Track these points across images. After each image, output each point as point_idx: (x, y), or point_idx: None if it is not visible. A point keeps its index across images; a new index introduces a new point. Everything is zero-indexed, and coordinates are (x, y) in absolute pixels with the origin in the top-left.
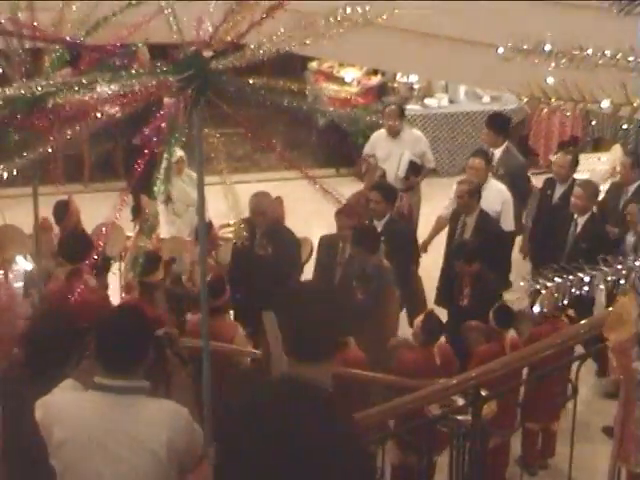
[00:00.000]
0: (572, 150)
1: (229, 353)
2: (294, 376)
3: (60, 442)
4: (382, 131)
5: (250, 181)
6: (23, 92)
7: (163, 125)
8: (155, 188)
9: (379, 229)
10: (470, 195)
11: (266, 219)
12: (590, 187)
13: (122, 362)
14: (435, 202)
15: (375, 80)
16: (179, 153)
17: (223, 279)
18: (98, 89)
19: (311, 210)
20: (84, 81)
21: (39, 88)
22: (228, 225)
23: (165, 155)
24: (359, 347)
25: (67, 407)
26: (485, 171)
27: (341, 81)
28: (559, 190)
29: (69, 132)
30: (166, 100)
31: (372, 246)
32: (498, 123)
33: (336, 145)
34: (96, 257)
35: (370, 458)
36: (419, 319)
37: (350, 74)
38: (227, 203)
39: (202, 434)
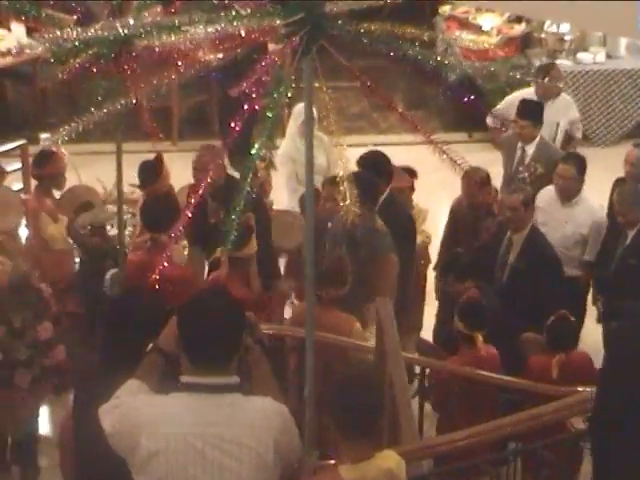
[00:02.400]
0: None
1: (343, 347)
2: None
3: (150, 454)
4: (527, 92)
5: (366, 144)
6: (107, 33)
7: (266, 76)
8: (254, 150)
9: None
10: (526, 207)
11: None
12: (635, 194)
13: (216, 357)
14: (589, 178)
15: (518, 29)
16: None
17: (346, 266)
18: (192, 32)
19: (436, 180)
20: (176, 22)
21: (125, 29)
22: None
23: (268, 111)
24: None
25: (154, 414)
26: (578, 182)
27: (478, 29)
28: None
29: (157, 80)
30: (271, 47)
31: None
32: (536, 111)
33: (469, 105)
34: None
35: None
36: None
37: (489, 21)
38: (338, 169)
39: (298, 432)
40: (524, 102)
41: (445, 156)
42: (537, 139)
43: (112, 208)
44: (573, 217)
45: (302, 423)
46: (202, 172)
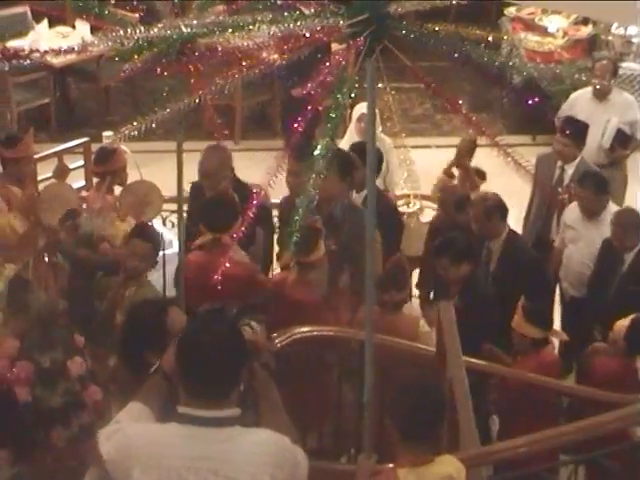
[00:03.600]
0: None
1: (404, 350)
2: None
3: None
4: (586, 91)
5: (429, 146)
6: (170, 32)
7: (330, 77)
8: (317, 151)
9: None
10: (487, 215)
11: (215, 183)
12: (631, 218)
13: (214, 389)
14: None
15: (585, 31)
16: (362, 110)
17: (406, 268)
18: (255, 32)
19: (500, 184)
20: (240, 22)
21: (188, 28)
22: (406, 197)
23: (331, 112)
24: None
25: (149, 445)
26: (598, 202)
27: (544, 31)
28: None
29: (220, 80)
30: (334, 47)
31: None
32: (580, 130)
33: (534, 108)
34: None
35: None
36: (623, 324)
37: (555, 23)
38: (401, 171)
39: (307, 464)
40: (569, 120)
41: (509, 159)
42: (577, 159)
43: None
44: (602, 232)
45: (362, 425)
46: (207, 177)
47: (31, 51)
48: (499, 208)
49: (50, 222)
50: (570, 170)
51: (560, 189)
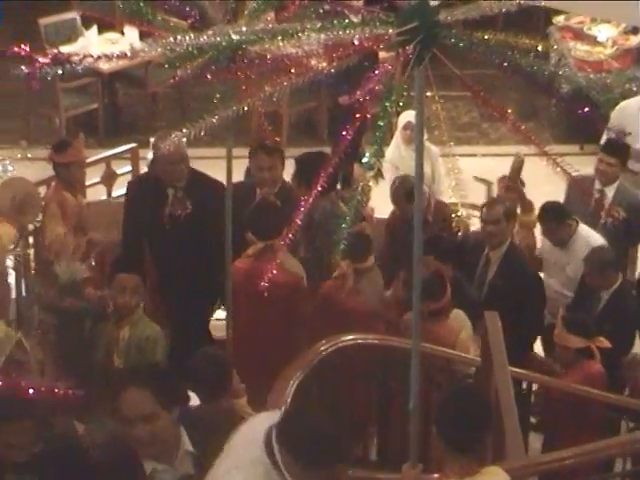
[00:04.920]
0: None
1: (447, 359)
2: None
3: None
4: (635, 100)
5: (476, 154)
6: (220, 39)
7: (379, 85)
8: (365, 159)
9: None
10: (508, 219)
11: (179, 172)
12: (604, 255)
13: None
14: None
15: (634, 40)
16: (408, 118)
17: (444, 277)
18: (304, 39)
19: (547, 192)
20: (289, 29)
21: (238, 35)
22: (454, 206)
23: (379, 120)
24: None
25: None
26: (563, 229)
27: (593, 40)
28: None
29: (269, 87)
30: (382, 55)
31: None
32: (624, 150)
33: (582, 117)
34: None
35: None
36: None
37: (604, 32)
38: (448, 179)
39: None
40: (614, 140)
41: (558, 168)
42: (617, 182)
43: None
44: (573, 257)
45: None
46: (172, 165)
47: (84, 57)
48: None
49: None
50: (610, 193)
51: (602, 213)
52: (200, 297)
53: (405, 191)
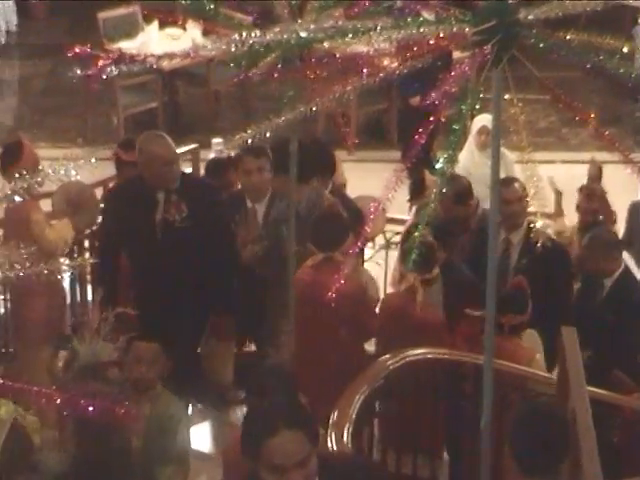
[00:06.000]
0: None
1: (522, 377)
2: None
3: None
4: None
5: (554, 161)
6: (286, 37)
7: (454, 87)
8: (438, 164)
9: None
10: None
11: (175, 171)
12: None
13: None
14: None
15: None
16: (483, 122)
17: (526, 292)
18: (376, 37)
19: (626, 202)
20: (359, 27)
21: (305, 33)
22: (533, 214)
23: (453, 123)
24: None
25: None
26: None
27: None
28: None
29: (337, 87)
30: (457, 55)
31: (304, 170)
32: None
33: None
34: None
35: None
36: None
37: None
38: (527, 186)
39: None
40: None
41: None
42: None
43: None
44: None
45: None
46: (170, 164)
47: (146, 57)
48: None
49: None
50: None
51: None
52: (197, 309)
53: (453, 192)
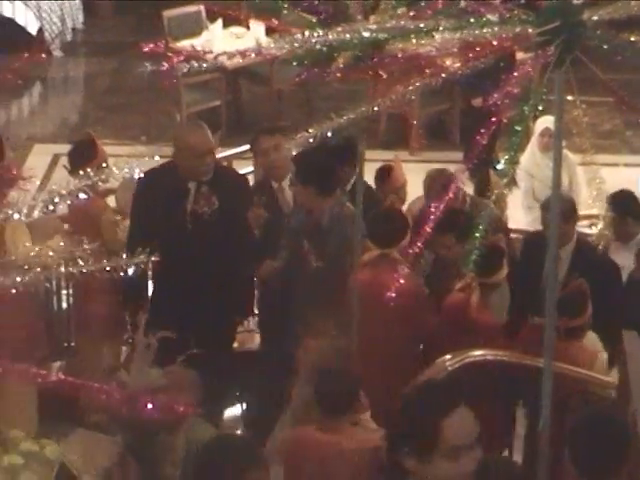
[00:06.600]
0: None
1: (582, 381)
2: None
3: None
4: None
5: (617, 164)
6: (349, 36)
7: (516, 88)
8: (499, 165)
9: None
10: (565, 220)
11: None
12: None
13: None
14: None
15: None
16: (546, 124)
17: (585, 295)
18: (438, 38)
19: None
20: (423, 27)
21: (368, 32)
22: (591, 217)
23: (515, 124)
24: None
25: None
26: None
27: None
28: None
29: (400, 87)
30: (520, 56)
31: (325, 182)
32: None
33: None
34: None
35: None
36: None
37: None
38: (589, 189)
39: None
40: None
41: None
42: None
43: None
44: None
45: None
46: (203, 156)
47: (217, 55)
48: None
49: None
50: None
51: None
52: (227, 306)
53: (443, 182)
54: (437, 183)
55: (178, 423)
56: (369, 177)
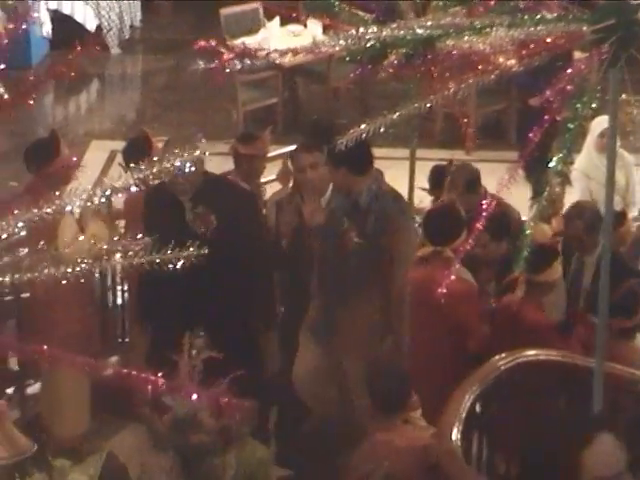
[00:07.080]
0: None
1: (633, 381)
2: None
3: None
4: None
5: None
6: (403, 33)
7: (570, 86)
8: (553, 164)
9: None
10: (587, 231)
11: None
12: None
13: None
14: None
15: None
16: (604, 124)
17: (638, 294)
18: (494, 35)
19: None
20: (477, 24)
21: (423, 30)
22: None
23: (569, 123)
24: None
25: None
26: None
27: None
28: None
29: (454, 85)
30: (576, 55)
31: (357, 162)
32: None
33: None
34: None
35: None
36: None
37: None
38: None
39: None
40: None
41: None
42: None
43: None
44: None
45: None
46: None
47: (270, 52)
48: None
49: None
50: None
51: None
52: (247, 321)
53: (466, 179)
54: (462, 178)
55: (228, 443)
56: (423, 176)
